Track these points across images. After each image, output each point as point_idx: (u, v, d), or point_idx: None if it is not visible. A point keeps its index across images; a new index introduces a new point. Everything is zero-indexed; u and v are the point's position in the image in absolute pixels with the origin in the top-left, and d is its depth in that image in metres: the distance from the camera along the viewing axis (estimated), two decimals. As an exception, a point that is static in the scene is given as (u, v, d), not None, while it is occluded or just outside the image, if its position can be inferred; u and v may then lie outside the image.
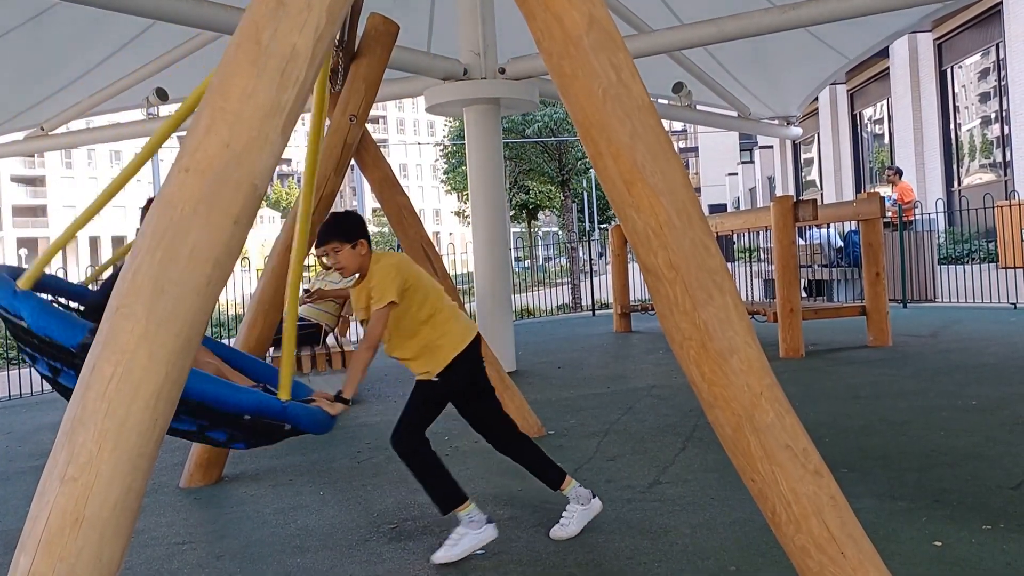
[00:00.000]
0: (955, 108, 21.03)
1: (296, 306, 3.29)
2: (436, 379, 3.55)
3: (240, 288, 13.08)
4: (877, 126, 26.38)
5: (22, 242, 70.88)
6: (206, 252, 1.98)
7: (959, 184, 20.54)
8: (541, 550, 3.50)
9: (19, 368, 12.11)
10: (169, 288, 1.96)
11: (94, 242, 74.87)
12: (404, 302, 3.45)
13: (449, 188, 35.36)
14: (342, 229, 3.49)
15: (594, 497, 3.73)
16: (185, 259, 1.97)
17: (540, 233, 40.85)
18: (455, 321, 3.60)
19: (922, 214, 13.03)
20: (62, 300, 3.72)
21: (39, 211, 75.38)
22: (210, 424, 2.82)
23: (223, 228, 1.99)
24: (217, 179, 1.97)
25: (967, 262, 15.07)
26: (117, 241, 74.39)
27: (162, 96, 9.90)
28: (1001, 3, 17.54)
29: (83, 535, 1.92)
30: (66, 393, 2.73)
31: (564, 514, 3.69)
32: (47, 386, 10.35)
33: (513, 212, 30.67)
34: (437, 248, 5.98)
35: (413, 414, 3.58)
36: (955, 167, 20.90)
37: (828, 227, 11.89)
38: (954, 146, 20.97)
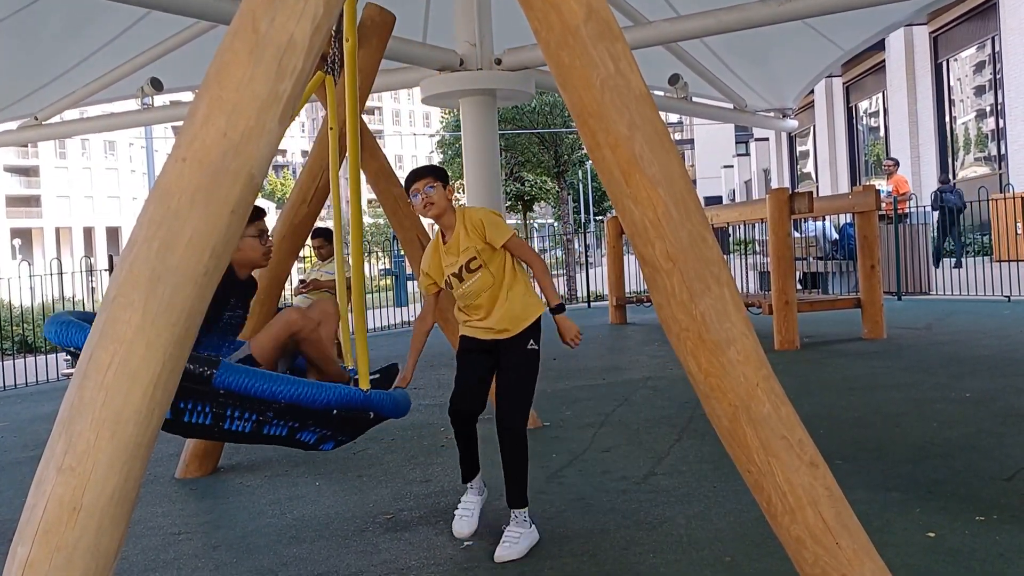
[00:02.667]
0: (951, 101, 21.04)
1: (362, 289, 3.34)
2: (535, 346, 3.58)
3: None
4: (873, 119, 26.39)
5: (16, 232, 70.63)
6: (203, 242, 1.97)
7: (954, 177, 20.55)
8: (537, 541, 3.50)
9: (14, 359, 12.10)
10: (166, 278, 1.95)
11: (88, 232, 74.71)
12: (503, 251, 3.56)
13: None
14: (438, 171, 3.65)
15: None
16: (182, 249, 1.96)
17: (536, 225, 40.81)
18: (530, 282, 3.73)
19: (917, 207, 13.05)
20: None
21: (33, 201, 75.13)
22: (300, 426, 2.94)
23: (220, 218, 1.98)
24: (214, 169, 1.97)
25: (962, 255, 15.09)
26: (111, 232, 74.22)
27: (156, 86, 9.87)
28: (997, -4, 17.56)
29: (80, 524, 1.92)
30: (196, 430, 2.93)
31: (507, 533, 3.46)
32: (42, 377, 10.36)
33: (509, 203, 30.63)
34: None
35: (528, 389, 3.57)
36: (950, 160, 20.92)
37: (824, 219, 11.89)
38: (949, 139, 20.98)
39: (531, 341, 3.58)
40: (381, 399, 3.02)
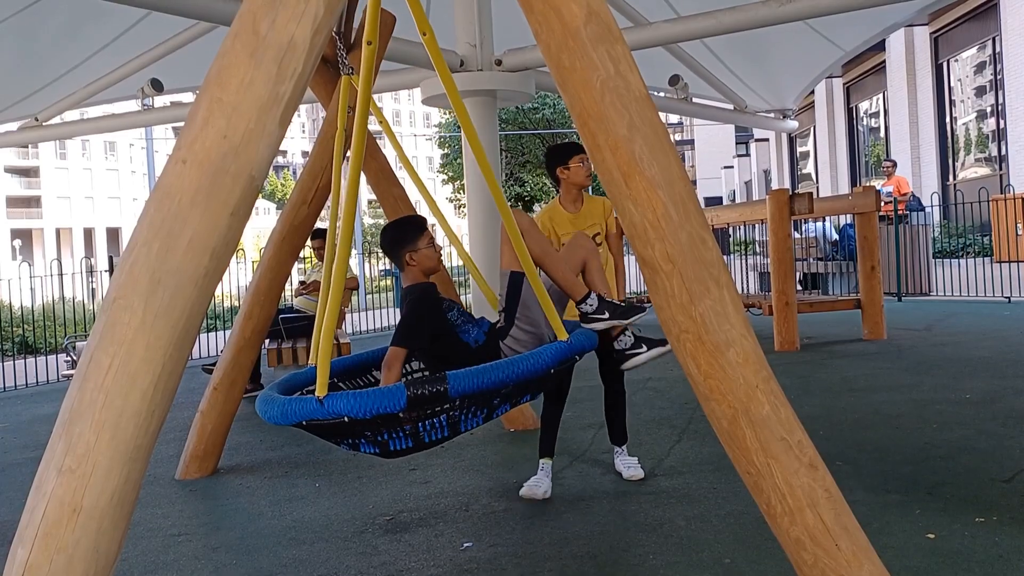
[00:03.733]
0: (951, 102, 21.04)
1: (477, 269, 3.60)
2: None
3: (236, 280, 13.07)
4: (873, 120, 26.39)
5: (16, 233, 70.64)
6: (203, 243, 1.98)
7: (954, 178, 20.56)
8: (536, 542, 3.51)
9: (14, 360, 12.11)
10: (166, 279, 1.96)
11: (88, 233, 74.72)
12: None
13: (447, 177, 35.32)
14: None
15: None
16: (182, 250, 1.97)
17: (536, 225, 40.72)
18: None
19: (917, 208, 13.05)
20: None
21: (33, 202, 75.15)
22: (511, 404, 3.19)
23: (220, 219, 1.99)
24: (215, 170, 1.97)
25: (962, 256, 15.10)
26: (112, 233, 74.23)
27: (157, 87, 9.88)
28: (998, -4, 17.56)
29: (80, 526, 1.92)
30: (402, 453, 3.06)
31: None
32: (43, 378, 10.36)
33: (509, 204, 30.61)
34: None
35: None
36: (951, 161, 20.91)
37: (824, 220, 11.90)
38: (950, 140, 20.98)
39: None
40: (581, 340, 3.32)
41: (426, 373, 3.66)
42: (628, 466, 4.31)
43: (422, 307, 3.56)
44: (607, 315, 3.65)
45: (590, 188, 4.48)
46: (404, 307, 3.62)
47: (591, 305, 3.65)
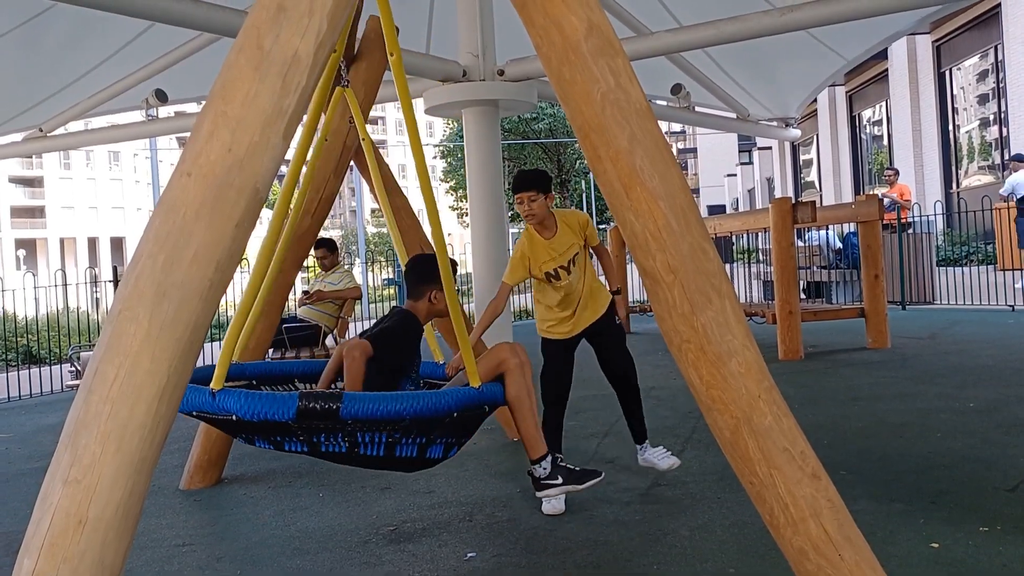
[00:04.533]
0: (954, 110, 21.05)
1: (454, 291, 3.46)
2: (618, 320, 4.43)
3: (239, 290, 13.09)
4: (876, 128, 26.40)
5: (20, 243, 70.80)
6: (208, 256, 1.99)
7: (958, 186, 20.55)
8: (539, 552, 3.51)
9: (18, 370, 12.12)
10: (172, 292, 1.97)
11: (92, 242, 74.87)
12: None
13: (450, 187, 35.39)
14: (541, 181, 4.17)
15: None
16: (187, 263, 1.98)
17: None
18: None
19: (921, 216, 13.04)
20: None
21: (37, 212, 75.33)
22: (427, 441, 3.07)
23: (225, 232, 2.00)
24: (219, 183, 1.99)
25: (966, 264, 15.09)
26: (115, 242, 74.37)
27: (161, 97, 9.90)
28: (1000, 5, 17.57)
29: (86, 537, 1.93)
30: (332, 457, 3.10)
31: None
32: (47, 388, 10.38)
33: (512, 213, 30.71)
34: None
35: (628, 351, 4.48)
36: (954, 169, 20.91)
37: (827, 229, 11.90)
38: (953, 148, 20.98)
39: (615, 316, 4.43)
40: (493, 392, 3.26)
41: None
42: (661, 457, 4.35)
43: (411, 335, 3.66)
44: (560, 480, 3.57)
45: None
46: (394, 321, 3.67)
47: (544, 469, 3.56)
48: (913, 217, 12.96)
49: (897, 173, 14.41)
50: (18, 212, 74.30)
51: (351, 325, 9.06)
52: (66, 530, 1.93)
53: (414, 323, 3.65)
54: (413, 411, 2.91)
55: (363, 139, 4.39)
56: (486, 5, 8.37)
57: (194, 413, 2.96)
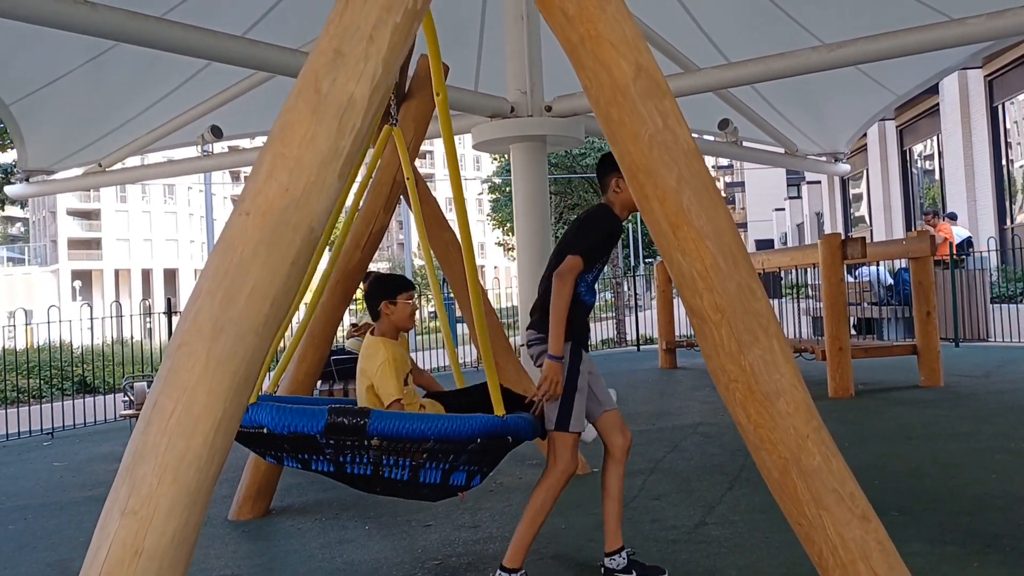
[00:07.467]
0: (1007, 145, 20.71)
1: (484, 322, 3.57)
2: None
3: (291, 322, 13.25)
4: (927, 162, 26.05)
5: (76, 274, 72.43)
6: (265, 293, 2.05)
7: (1012, 222, 20.17)
8: (586, 589, 3.50)
9: (73, 399, 12.38)
10: (228, 328, 2.03)
11: (146, 274, 76.36)
12: None
13: (496, 223, 35.59)
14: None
15: None
16: (244, 300, 2.04)
17: (585, 268, 40.69)
18: None
19: (974, 252, 12.82)
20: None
21: (94, 244, 77.09)
22: (451, 467, 3.10)
23: (281, 270, 2.06)
24: (276, 222, 2.05)
25: (1021, 301, 14.77)
26: (168, 274, 75.78)
27: (217, 134, 10.14)
28: (1054, 39, 17.32)
29: (142, 567, 1.98)
30: (355, 481, 3.19)
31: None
32: (100, 417, 10.58)
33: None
34: (482, 282, 6.04)
35: None
36: (1008, 204, 20.55)
37: (878, 264, 11.76)
38: (1006, 183, 20.63)
39: None
40: (517, 423, 3.21)
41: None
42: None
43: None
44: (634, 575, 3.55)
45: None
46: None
47: (618, 563, 3.55)
48: (961, 254, 12.74)
49: (935, 215, 14.16)
50: (75, 244, 76.13)
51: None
52: (123, 560, 1.98)
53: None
54: (438, 432, 2.96)
55: (407, 178, 4.46)
56: (534, 42, 8.47)
57: None
